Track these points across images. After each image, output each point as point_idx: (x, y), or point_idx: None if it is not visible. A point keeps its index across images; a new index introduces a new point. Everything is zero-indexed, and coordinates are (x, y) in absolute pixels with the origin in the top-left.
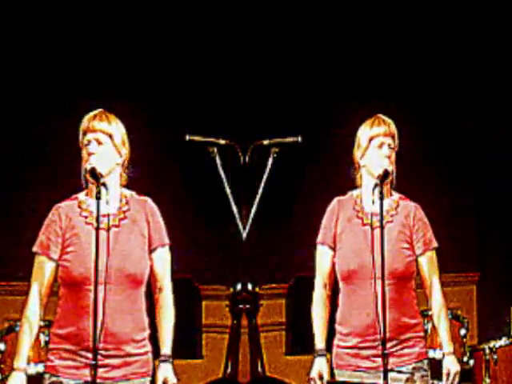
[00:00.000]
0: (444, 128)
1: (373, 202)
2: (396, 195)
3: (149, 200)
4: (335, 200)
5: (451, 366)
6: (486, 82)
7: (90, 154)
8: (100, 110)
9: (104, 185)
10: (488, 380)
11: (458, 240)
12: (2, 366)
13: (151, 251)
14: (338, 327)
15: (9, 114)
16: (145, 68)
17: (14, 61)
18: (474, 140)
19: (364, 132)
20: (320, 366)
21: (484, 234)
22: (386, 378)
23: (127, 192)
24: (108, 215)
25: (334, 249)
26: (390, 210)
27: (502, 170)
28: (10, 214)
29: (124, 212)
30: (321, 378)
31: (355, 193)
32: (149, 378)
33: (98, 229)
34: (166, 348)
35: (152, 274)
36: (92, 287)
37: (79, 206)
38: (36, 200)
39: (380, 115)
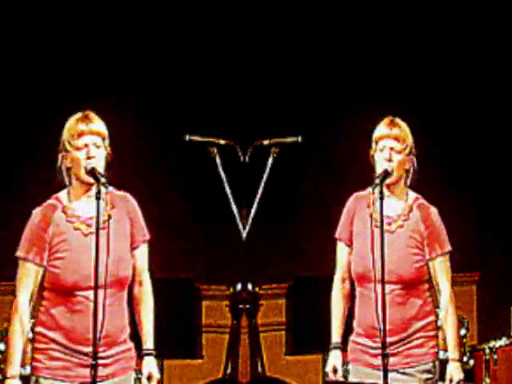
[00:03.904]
0: (443, 128)
1: (373, 203)
2: (411, 198)
3: (128, 196)
4: (354, 195)
5: (454, 373)
6: (487, 83)
7: (90, 158)
8: (87, 111)
9: (104, 184)
10: (488, 380)
11: (458, 240)
12: (2, 366)
13: (134, 248)
14: (354, 323)
15: (6, 118)
16: (145, 68)
17: (11, 60)
18: (474, 140)
19: (373, 134)
20: (334, 359)
21: (484, 234)
22: (386, 377)
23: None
24: (94, 217)
25: (350, 246)
26: (402, 215)
27: (502, 170)
28: (9, 215)
29: (108, 211)
30: (335, 371)
31: (372, 190)
32: (133, 373)
33: (97, 227)
34: (149, 342)
35: (132, 270)
36: (84, 293)
37: (64, 212)
38: (34, 201)
39: (390, 116)
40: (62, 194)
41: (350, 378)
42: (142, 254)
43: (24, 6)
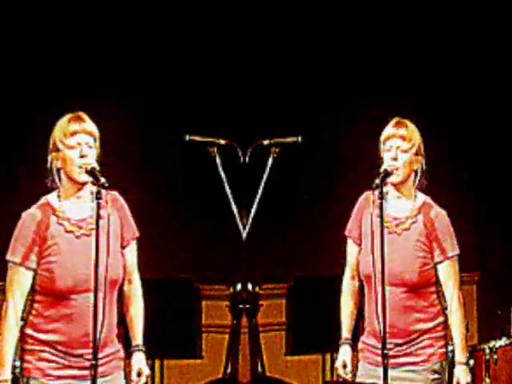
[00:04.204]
0: (443, 128)
1: (373, 203)
2: (420, 200)
3: (117, 195)
4: (364, 195)
5: (461, 376)
6: (486, 82)
7: (83, 156)
8: (78, 112)
9: (103, 185)
10: (488, 380)
11: (458, 240)
12: None
13: (124, 247)
14: (365, 323)
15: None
16: (145, 68)
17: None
18: (474, 140)
19: (381, 136)
20: (344, 354)
21: (484, 234)
22: (386, 377)
23: (96, 189)
24: (85, 219)
25: (359, 245)
26: (410, 217)
27: (503, 170)
28: (8, 214)
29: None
30: (344, 366)
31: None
32: (122, 372)
33: (97, 227)
34: (139, 338)
35: (123, 268)
36: (78, 296)
37: (55, 214)
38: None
39: (397, 118)
40: (52, 196)
41: (359, 375)
42: (132, 252)
43: (25, 5)
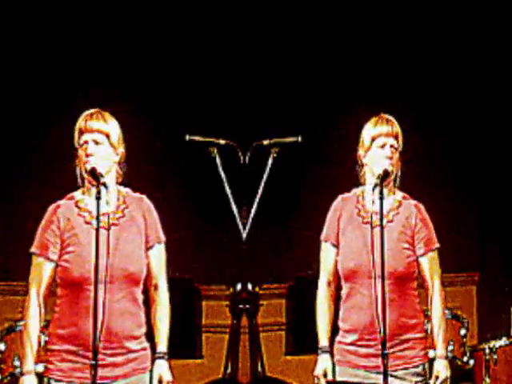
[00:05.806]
0: (445, 127)
1: (372, 202)
2: (399, 194)
3: (144, 197)
4: (339, 197)
5: (442, 370)
6: (486, 83)
7: (88, 155)
8: (96, 109)
9: (104, 185)
10: (488, 380)
11: (457, 240)
12: (2, 365)
13: (148, 248)
14: (339, 323)
15: (5, 114)
16: (145, 68)
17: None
18: (475, 140)
19: (367, 131)
20: (324, 362)
21: (484, 234)
22: (385, 378)
23: (123, 190)
24: (108, 214)
25: (337, 246)
26: (392, 210)
27: (503, 170)
28: (10, 215)
29: (122, 210)
30: (325, 375)
31: (358, 190)
32: (148, 374)
33: (97, 228)
34: (162, 345)
35: (148, 272)
36: (93, 287)
37: (77, 206)
38: (35, 199)
39: (384, 114)
40: (76, 192)
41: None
42: (157, 255)
43: (31, 6)
